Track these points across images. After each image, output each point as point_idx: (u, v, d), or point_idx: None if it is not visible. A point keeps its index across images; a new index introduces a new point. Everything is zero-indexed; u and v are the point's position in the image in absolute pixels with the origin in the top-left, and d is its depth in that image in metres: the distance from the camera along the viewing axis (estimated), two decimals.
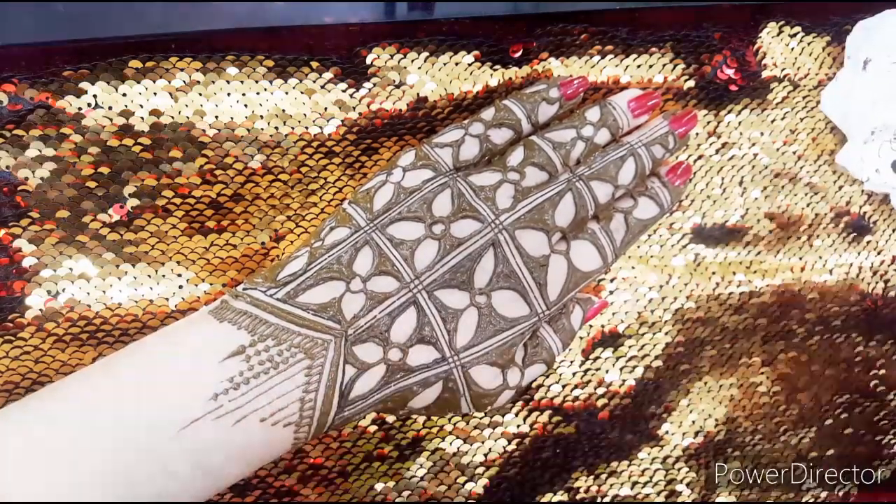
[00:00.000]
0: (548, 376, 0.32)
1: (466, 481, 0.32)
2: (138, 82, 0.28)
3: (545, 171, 0.28)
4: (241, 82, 0.29)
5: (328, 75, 0.30)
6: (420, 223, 0.26)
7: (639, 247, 0.33)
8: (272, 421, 0.23)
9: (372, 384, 0.24)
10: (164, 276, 0.29)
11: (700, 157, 0.33)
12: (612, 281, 0.33)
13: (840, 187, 0.35)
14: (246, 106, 0.29)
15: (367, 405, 0.25)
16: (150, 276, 0.29)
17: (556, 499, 0.33)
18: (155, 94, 0.28)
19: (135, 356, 0.24)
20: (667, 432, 0.34)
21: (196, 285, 0.29)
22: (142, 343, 0.24)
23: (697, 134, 0.33)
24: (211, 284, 0.29)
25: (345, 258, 0.25)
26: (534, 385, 0.32)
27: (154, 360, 0.23)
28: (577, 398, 0.33)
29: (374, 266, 0.25)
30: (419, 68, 0.31)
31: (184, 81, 0.29)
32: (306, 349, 0.24)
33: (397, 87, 0.31)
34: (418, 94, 0.31)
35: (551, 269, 0.26)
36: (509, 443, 0.32)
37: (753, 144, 0.34)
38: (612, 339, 0.33)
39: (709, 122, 0.33)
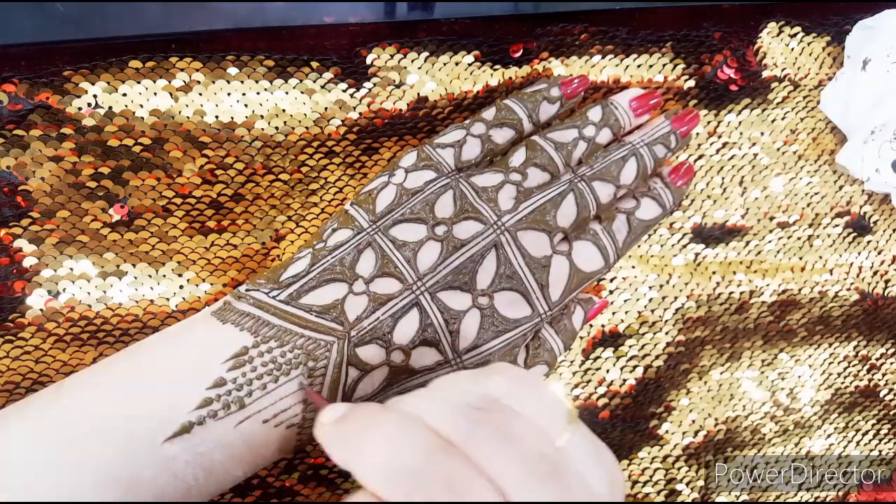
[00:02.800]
0: (548, 376, 0.32)
1: None
2: (138, 82, 0.28)
3: (547, 172, 0.28)
4: (241, 82, 0.29)
5: (328, 75, 0.30)
6: (422, 225, 0.26)
7: (639, 246, 0.33)
8: (275, 422, 0.23)
9: (375, 386, 0.24)
10: (164, 276, 0.29)
11: (700, 156, 0.33)
12: (612, 281, 0.33)
13: (840, 187, 0.35)
14: (246, 106, 0.29)
15: None
16: (150, 276, 0.29)
17: None
18: (155, 94, 0.28)
19: (137, 357, 0.24)
20: (667, 431, 0.34)
21: (197, 285, 0.29)
22: (144, 344, 0.24)
23: (698, 134, 0.33)
24: (212, 284, 0.29)
25: (347, 260, 0.25)
26: None
27: (156, 360, 0.23)
28: (577, 398, 0.33)
29: (377, 268, 0.25)
30: (419, 68, 0.31)
31: (184, 81, 0.29)
32: (309, 351, 0.24)
33: (397, 87, 0.30)
34: (418, 94, 0.31)
35: (553, 270, 0.26)
36: None
37: (753, 144, 0.34)
38: (612, 339, 0.33)
39: (709, 122, 0.33)
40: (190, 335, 0.24)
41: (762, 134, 0.34)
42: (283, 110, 0.30)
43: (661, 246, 0.33)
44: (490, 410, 0.18)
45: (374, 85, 0.30)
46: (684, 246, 0.33)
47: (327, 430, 0.19)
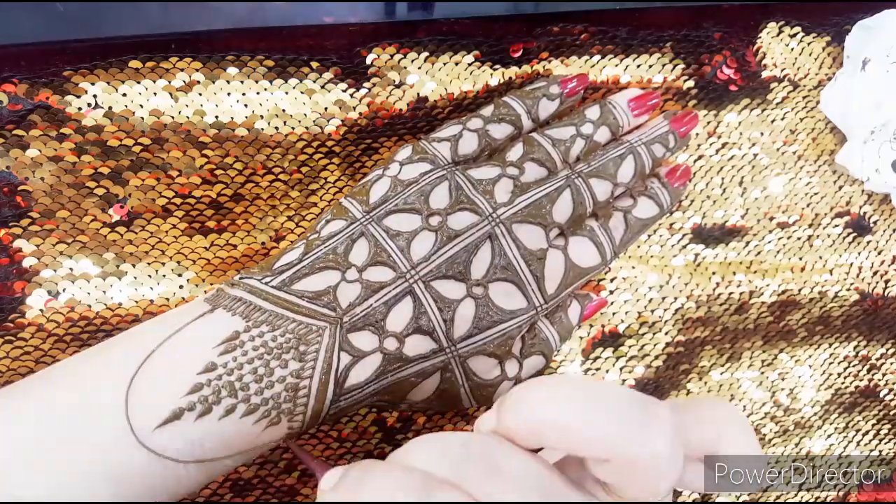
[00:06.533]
0: (545, 369, 0.32)
1: None
2: (138, 82, 0.28)
3: (544, 168, 0.28)
4: (241, 82, 0.29)
5: (328, 75, 0.30)
6: (417, 215, 0.26)
7: (639, 247, 0.33)
8: (265, 409, 0.23)
9: (368, 373, 0.24)
10: (164, 276, 0.29)
11: (700, 157, 0.33)
12: (612, 281, 0.33)
13: (840, 187, 0.35)
14: (246, 106, 0.29)
15: (364, 395, 0.25)
16: (150, 276, 0.29)
17: None
18: (155, 94, 0.28)
19: (128, 343, 0.23)
20: None
21: (196, 285, 0.29)
22: (136, 330, 0.24)
23: (697, 134, 0.33)
24: (211, 284, 0.29)
25: (340, 249, 0.25)
26: None
27: (147, 346, 0.23)
28: None
29: (370, 256, 0.25)
30: (419, 68, 0.31)
31: (184, 81, 0.29)
32: (301, 335, 0.23)
33: (397, 87, 0.31)
34: (418, 94, 0.31)
35: (549, 264, 0.26)
36: None
37: (753, 144, 0.34)
38: (612, 339, 0.33)
39: (709, 123, 0.33)
40: (181, 320, 0.24)
41: (762, 134, 0.34)
42: (283, 110, 0.30)
43: (661, 246, 0.33)
44: (471, 447, 0.18)
45: (374, 85, 0.30)
46: (684, 246, 0.33)
47: (327, 496, 0.18)
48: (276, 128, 0.30)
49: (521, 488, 0.17)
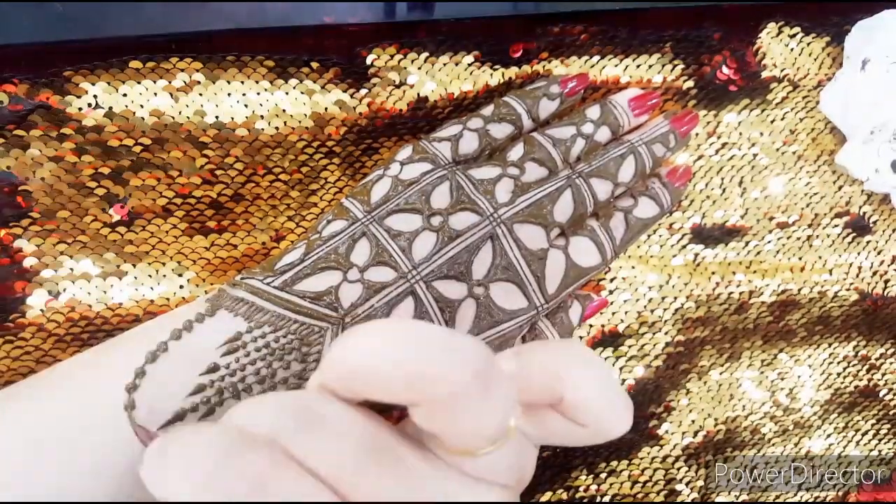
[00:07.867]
0: None
1: None
2: (138, 82, 0.28)
3: (545, 167, 0.28)
4: (242, 82, 0.29)
5: (328, 75, 0.30)
6: (418, 215, 0.26)
7: (639, 247, 0.33)
8: None
9: None
10: (164, 276, 0.29)
11: (700, 157, 0.33)
12: (611, 281, 0.33)
13: (840, 187, 0.35)
14: (246, 106, 0.29)
15: None
16: (150, 276, 0.29)
17: (555, 498, 0.33)
18: (155, 94, 0.28)
19: (130, 344, 0.24)
20: (666, 432, 0.34)
21: (197, 285, 0.29)
22: (138, 330, 0.24)
23: (697, 134, 0.33)
24: (212, 284, 0.29)
25: (342, 249, 0.25)
26: None
27: (149, 347, 0.23)
28: None
29: (372, 257, 0.25)
30: (419, 68, 0.31)
31: (184, 81, 0.29)
32: (303, 336, 0.24)
33: (397, 87, 0.31)
34: (418, 94, 0.31)
35: (549, 263, 0.26)
36: None
37: (753, 144, 0.34)
38: (612, 339, 0.33)
39: (708, 123, 0.33)
40: (183, 321, 0.24)
41: (761, 134, 0.34)
42: (283, 110, 0.30)
43: (661, 246, 0.33)
44: (292, 400, 0.16)
45: (374, 85, 0.30)
46: (684, 246, 0.33)
47: (143, 466, 0.15)
48: (277, 128, 0.30)
49: (340, 439, 0.15)
